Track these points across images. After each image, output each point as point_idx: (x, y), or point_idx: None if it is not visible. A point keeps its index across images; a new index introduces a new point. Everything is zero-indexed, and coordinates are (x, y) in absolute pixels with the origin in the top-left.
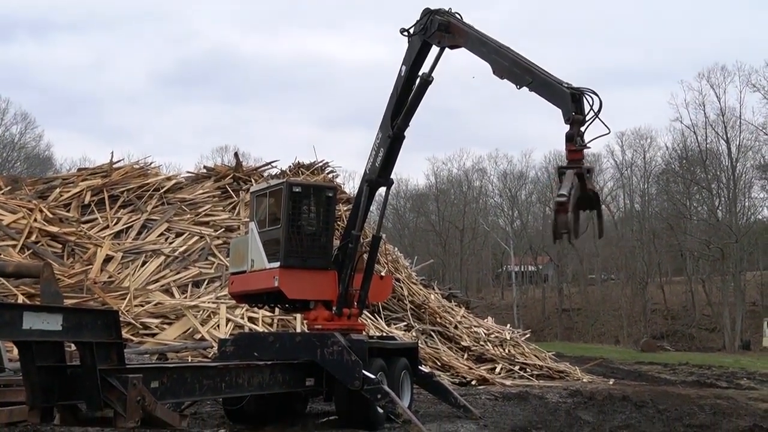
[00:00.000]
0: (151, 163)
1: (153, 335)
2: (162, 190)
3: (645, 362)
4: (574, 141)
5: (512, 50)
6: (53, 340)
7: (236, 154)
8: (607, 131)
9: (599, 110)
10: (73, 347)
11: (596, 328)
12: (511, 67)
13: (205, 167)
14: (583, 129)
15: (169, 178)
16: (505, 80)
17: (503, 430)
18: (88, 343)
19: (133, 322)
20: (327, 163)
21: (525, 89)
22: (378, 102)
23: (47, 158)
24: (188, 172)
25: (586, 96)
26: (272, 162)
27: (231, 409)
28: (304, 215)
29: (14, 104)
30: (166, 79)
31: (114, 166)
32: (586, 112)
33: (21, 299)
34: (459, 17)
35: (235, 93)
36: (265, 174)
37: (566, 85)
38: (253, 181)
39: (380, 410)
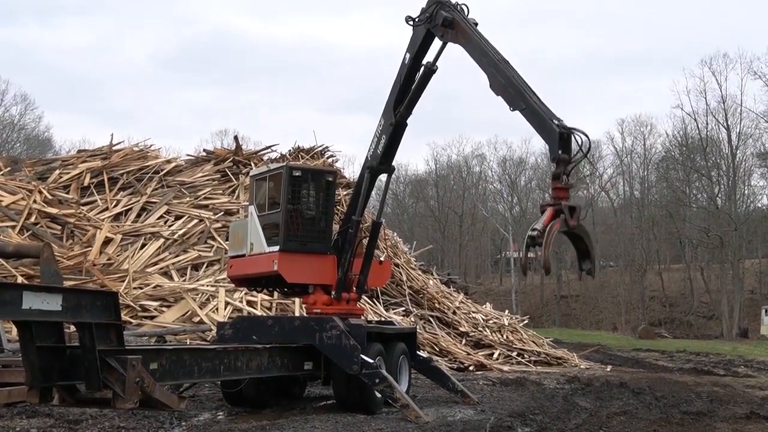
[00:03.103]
0: (150, 146)
1: (152, 318)
2: (161, 173)
3: (642, 349)
4: (560, 179)
5: (511, 67)
6: (53, 320)
7: (236, 138)
8: (594, 170)
9: (588, 151)
10: (73, 328)
11: (594, 315)
12: (507, 86)
13: (204, 150)
14: (569, 168)
15: (168, 161)
16: (500, 98)
17: (500, 415)
18: (88, 324)
19: (132, 304)
20: (327, 147)
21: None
22: (380, 88)
23: (47, 140)
24: (188, 155)
25: (575, 135)
26: (272, 146)
27: (229, 392)
28: (304, 199)
29: (14, 85)
30: (168, 62)
31: (114, 148)
32: (574, 153)
33: (20, 280)
34: (465, 11)
35: (237, 77)
36: (265, 158)
37: (557, 123)
38: (252, 164)
39: (378, 395)
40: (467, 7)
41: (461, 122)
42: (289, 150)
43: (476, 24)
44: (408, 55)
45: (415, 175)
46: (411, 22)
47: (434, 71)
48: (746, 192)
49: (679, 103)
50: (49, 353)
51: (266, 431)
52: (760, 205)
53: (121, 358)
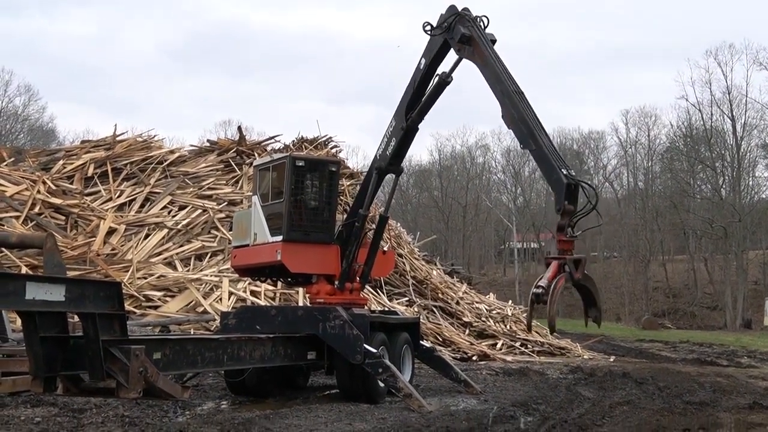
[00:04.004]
0: (154, 136)
1: (156, 308)
2: (165, 164)
3: (646, 340)
4: (565, 232)
5: (525, 100)
6: (56, 310)
7: (239, 128)
8: (600, 223)
9: (595, 204)
10: (76, 318)
11: None
12: (519, 123)
13: (208, 141)
14: (574, 220)
15: (172, 152)
16: (511, 131)
17: (504, 405)
18: (91, 314)
19: (136, 294)
20: (330, 137)
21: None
22: (385, 79)
23: (50, 130)
24: (191, 145)
25: (583, 187)
26: (275, 136)
27: (233, 382)
28: (307, 189)
29: (18, 76)
30: (171, 52)
31: (117, 138)
32: (581, 206)
33: (24, 270)
34: (486, 22)
35: (240, 67)
36: (269, 148)
37: (565, 173)
38: (256, 155)
39: (381, 384)
40: (487, 19)
41: (465, 113)
42: (293, 140)
43: (494, 41)
44: (423, 61)
45: (419, 166)
46: (428, 30)
47: (448, 83)
48: (751, 183)
49: (684, 94)
50: (52, 343)
51: (270, 420)
52: (764, 196)
53: (124, 348)
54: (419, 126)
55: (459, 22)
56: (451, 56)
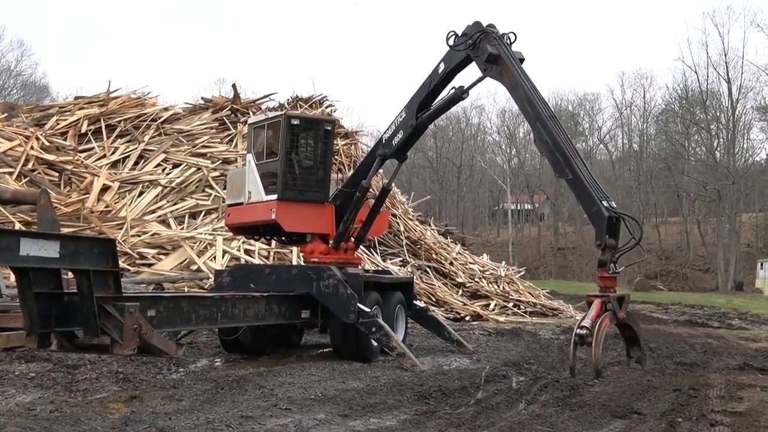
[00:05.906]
0: (148, 93)
1: (150, 265)
2: (159, 121)
3: (638, 301)
4: (607, 268)
5: (559, 125)
6: (50, 267)
7: (234, 86)
8: (643, 258)
9: (640, 239)
10: (71, 275)
11: (591, 267)
12: (554, 150)
13: (203, 98)
14: (616, 256)
15: (166, 109)
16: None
17: (496, 364)
18: (85, 271)
19: (130, 252)
20: (325, 96)
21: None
22: (381, 40)
23: (43, 86)
24: (186, 103)
25: (625, 220)
26: (270, 94)
27: (226, 340)
28: (302, 148)
29: (10, 31)
30: (168, 9)
31: (111, 95)
32: (625, 242)
33: (18, 226)
34: (513, 39)
35: (238, 25)
36: (263, 106)
37: (606, 205)
38: (251, 113)
39: (374, 343)
40: (515, 35)
41: (460, 72)
42: (288, 99)
43: (522, 60)
44: (442, 67)
45: None
46: (450, 44)
47: (463, 98)
48: (745, 146)
49: (681, 55)
50: (47, 299)
51: (263, 378)
52: (758, 159)
53: (118, 305)
54: (428, 125)
55: (485, 39)
56: (472, 67)
